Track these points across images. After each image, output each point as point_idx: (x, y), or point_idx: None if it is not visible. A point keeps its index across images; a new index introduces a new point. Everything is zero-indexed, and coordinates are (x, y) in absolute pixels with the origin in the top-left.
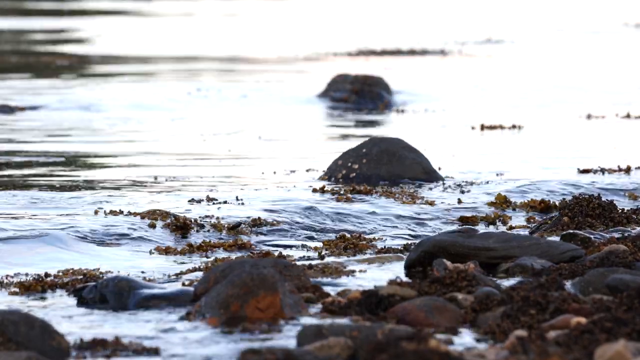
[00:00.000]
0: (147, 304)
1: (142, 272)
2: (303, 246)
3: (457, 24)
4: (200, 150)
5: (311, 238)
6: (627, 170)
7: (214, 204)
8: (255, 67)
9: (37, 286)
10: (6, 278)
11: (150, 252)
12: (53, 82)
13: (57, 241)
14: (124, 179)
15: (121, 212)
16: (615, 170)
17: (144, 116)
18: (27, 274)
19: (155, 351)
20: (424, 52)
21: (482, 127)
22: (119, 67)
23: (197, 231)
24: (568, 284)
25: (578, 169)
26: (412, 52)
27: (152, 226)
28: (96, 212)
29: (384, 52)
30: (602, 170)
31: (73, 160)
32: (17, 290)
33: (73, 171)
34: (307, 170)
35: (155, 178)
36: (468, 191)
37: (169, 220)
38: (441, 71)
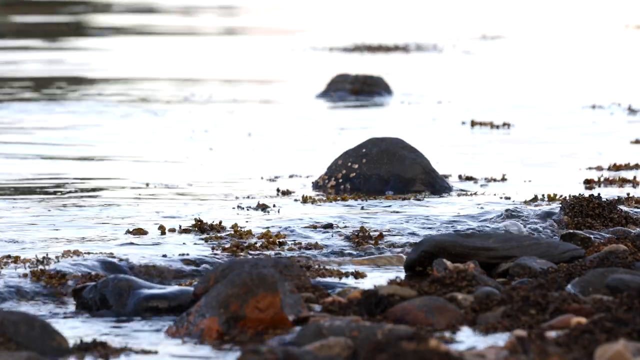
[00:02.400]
0: (146, 304)
1: None
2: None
3: (453, 20)
4: (197, 154)
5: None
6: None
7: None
8: (254, 67)
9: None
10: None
11: None
12: (52, 96)
13: None
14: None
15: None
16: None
17: (138, 117)
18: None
19: (155, 352)
20: (420, 49)
21: (480, 124)
22: (117, 77)
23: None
24: (568, 284)
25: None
26: (408, 49)
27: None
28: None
29: (380, 48)
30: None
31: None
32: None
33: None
34: (306, 172)
35: (147, 185)
36: (474, 194)
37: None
38: (439, 68)
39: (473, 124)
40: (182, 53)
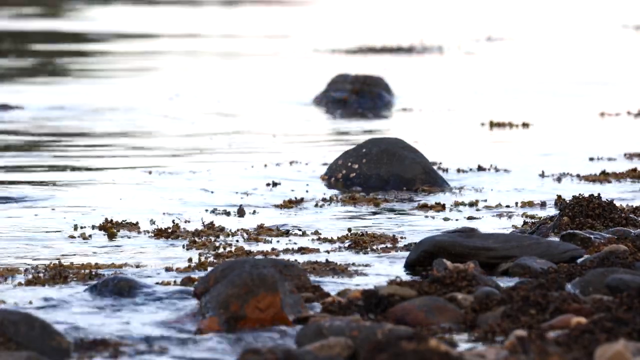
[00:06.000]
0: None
1: None
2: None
3: (457, 22)
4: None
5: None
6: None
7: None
8: (253, 67)
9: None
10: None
11: None
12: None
13: None
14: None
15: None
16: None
17: (137, 118)
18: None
19: (155, 352)
20: (423, 50)
21: (491, 125)
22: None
23: None
24: (568, 284)
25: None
26: (411, 50)
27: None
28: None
29: (383, 50)
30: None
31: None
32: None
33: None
34: (307, 171)
35: (150, 172)
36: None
37: None
38: (441, 69)
39: (492, 124)
40: (187, 53)
